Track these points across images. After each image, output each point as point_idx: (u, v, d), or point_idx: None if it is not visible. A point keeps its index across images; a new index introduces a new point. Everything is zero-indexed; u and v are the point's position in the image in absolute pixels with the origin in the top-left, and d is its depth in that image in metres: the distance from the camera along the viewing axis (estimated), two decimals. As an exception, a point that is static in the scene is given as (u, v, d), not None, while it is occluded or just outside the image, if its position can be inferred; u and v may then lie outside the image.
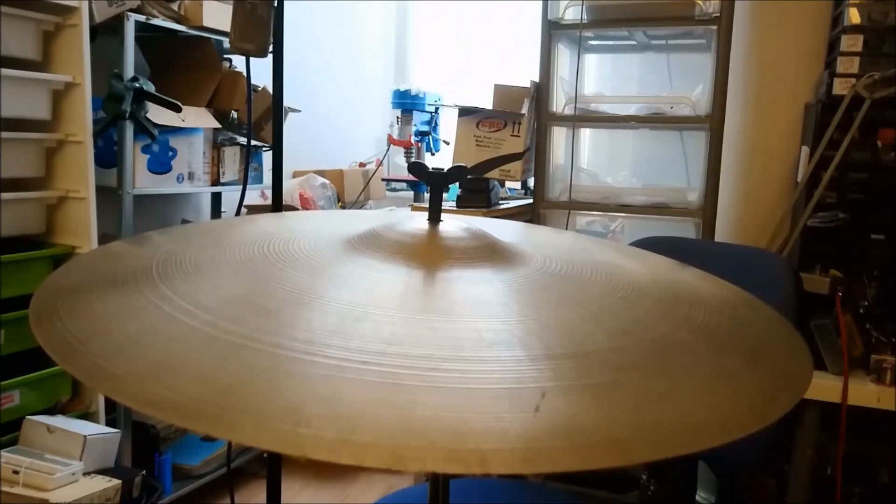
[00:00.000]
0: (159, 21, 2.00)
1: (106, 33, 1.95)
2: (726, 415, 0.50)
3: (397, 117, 3.16)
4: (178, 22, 2.07)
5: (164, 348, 0.51)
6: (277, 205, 1.45)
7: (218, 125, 2.24)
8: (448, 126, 3.20)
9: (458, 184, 2.04)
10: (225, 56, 2.41)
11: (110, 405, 1.90)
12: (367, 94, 3.58)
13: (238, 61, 2.43)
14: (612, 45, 2.34)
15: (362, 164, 3.27)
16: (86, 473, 1.52)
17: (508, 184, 2.44)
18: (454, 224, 0.77)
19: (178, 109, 1.97)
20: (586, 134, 2.30)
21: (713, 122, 1.93)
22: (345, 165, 3.16)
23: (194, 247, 0.74)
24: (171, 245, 0.75)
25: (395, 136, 3.16)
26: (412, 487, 1.38)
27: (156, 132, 1.94)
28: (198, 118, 2.18)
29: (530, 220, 2.13)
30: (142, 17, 1.93)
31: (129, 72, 1.89)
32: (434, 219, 0.76)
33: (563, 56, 2.17)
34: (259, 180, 2.52)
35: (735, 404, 0.52)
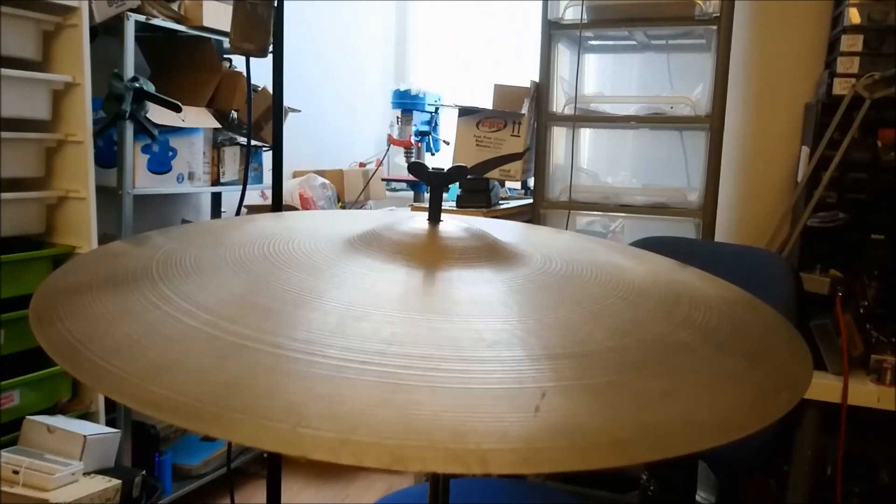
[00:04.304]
0: (159, 21, 2.00)
1: (106, 33, 1.95)
2: (726, 415, 0.50)
3: (397, 117, 3.15)
4: (178, 22, 2.07)
5: (164, 348, 0.51)
6: (277, 205, 1.45)
7: (218, 125, 2.24)
8: (448, 126, 3.20)
9: (458, 184, 2.04)
10: (225, 56, 2.41)
11: (110, 405, 1.90)
12: (367, 94, 3.58)
13: (238, 61, 2.43)
14: (612, 45, 2.34)
15: (362, 164, 3.27)
16: (86, 473, 1.52)
17: (508, 184, 2.44)
18: (454, 224, 0.77)
19: (178, 109, 1.97)
20: (586, 134, 2.30)
21: (713, 122, 1.93)
22: (345, 165, 3.16)
23: (194, 247, 0.74)
24: (171, 245, 0.75)
25: (395, 136, 3.15)
26: (412, 487, 1.38)
27: (156, 132, 1.94)
28: (198, 118, 2.18)
29: (530, 220, 2.13)
30: (142, 17, 1.93)
31: (129, 72, 1.89)
32: (434, 219, 0.76)
33: (563, 56, 2.17)
34: (259, 180, 2.52)
35: (735, 404, 0.52)
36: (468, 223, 0.79)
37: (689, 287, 0.76)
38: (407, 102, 3.10)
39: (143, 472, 1.64)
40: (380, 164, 3.18)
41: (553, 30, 2.08)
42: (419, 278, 0.66)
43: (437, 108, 3.23)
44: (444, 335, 0.54)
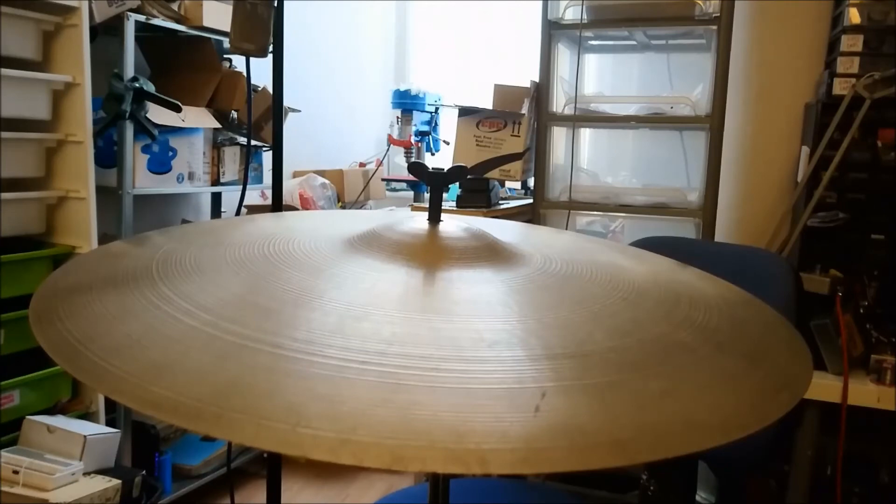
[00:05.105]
0: (159, 21, 2.00)
1: (106, 33, 1.95)
2: (726, 415, 0.50)
3: (397, 117, 3.16)
4: (178, 22, 2.07)
5: (164, 348, 0.51)
6: (277, 205, 1.45)
7: (218, 125, 2.24)
8: (448, 126, 3.20)
9: (458, 184, 2.04)
10: (225, 56, 2.41)
11: (110, 405, 1.90)
12: (367, 94, 3.59)
13: (238, 61, 2.43)
14: (612, 45, 2.34)
15: (362, 164, 3.27)
16: (86, 473, 1.52)
17: (508, 184, 2.44)
18: (454, 224, 0.77)
19: (178, 109, 1.97)
20: (586, 134, 2.30)
21: (713, 122, 1.93)
22: (345, 165, 3.16)
23: (194, 247, 0.74)
24: (171, 245, 0.75)
25: (395, 136, 3.16)
26: (412, 487, 1.38)
27: (156, 132, 1.94)
28: (198, 118, 2.18)
29: (530, 220, 2.13)
30: (142, 17, 1.93)
31: (129, 72, 1.89)
32: (434, 219, 0.76)
33: (563, 56, 2.17)
34: (259, 180, 2.52)
35: (735, 404, 0.52)
36: (468, 223, 0.79)
37: (689, 287, 0.76)
38: (407, 102, 3.10)
39: (143, 472, 1.64)
40: (380, 164, 3.18)
41: (553, 30, 2.08)
42: (419, 278, 0.66)
43: (437, 108, 3.23)
44: (444, 335, 0.54)
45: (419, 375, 0.48)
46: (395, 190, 3.35)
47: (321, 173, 2.80)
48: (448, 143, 3.22)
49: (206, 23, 2.11)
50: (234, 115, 2.34)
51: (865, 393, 1.56)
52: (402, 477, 2.42)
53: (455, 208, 1.99)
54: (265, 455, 2.03)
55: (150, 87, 1.91)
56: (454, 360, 0.51)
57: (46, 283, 0.66)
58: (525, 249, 0.79)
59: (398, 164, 3.57)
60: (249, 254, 0.71)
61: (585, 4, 2.00)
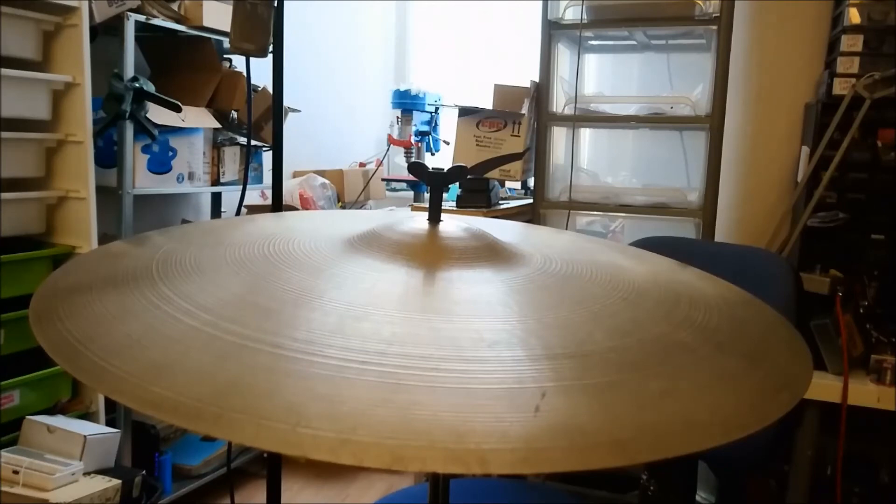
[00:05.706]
0: (159, 21, 2.00)
1: (106, 33, 1.95)
2: (726, 415, 0.50)
3: (397, 117, 3.16)
4: (178, 22, 2.07)
5: (164, 348, 0.51)
6: (277, 205, 1.45)
7: (218, 125, 2.24)
8: (448, 126, 3.20)
9: (458, 184, 2.04)
10: (225, 56, 2.41)
11: (110, 405, 1.90)
12: (367, 94, 3.59)
13: (238, 61, 2.43)
14: (612, 45, 2.34)
15: (362, 164, 3.27)
16: (86, 473, 1.52)
17: (508, 184, 2.44)
18: (454, 224, 0.77)
19: (178, 109, 1.97)
20: (586, 134, 2.30)
21: (713, 122, 1.93)
22: (345, 165, 3.16)
23: (194, 247, 0.74)
24: (171, 245, 0.75)
25: (395, 136, 3.16)
26: (412, 487, 1.38)
27: (156, 132, 1.94)
28: (198, 118, 2.18)
29: (530, 220, 2.13)
30: (142, 17, 1.93)
31: (129, 72, 1.89)
32: (434, 219, 0.76)
33: (563, 56, 2.17)
34: (259, 180, 2.52)
35: (735, 404, 0.52)
36: (468, 223, 0.79)
37: (689, 287, 0.76)
38: (407, 102, 3.10)
39: (143, 472, 1.64)
40: (380, 164, 3.18)
41: (553, 30, 2.08)
42: (419, 278, 0.66)
43: (437, 108, 3.23)
44: (444, 335, 0.54)
45: (419, 375, 0.48)
46: (395, 190, 3.35)
47: (321, 173, 2.80)
48: (448, 143, 3.22)
49: (206, 23, 2.11)
50: (234, 115, 2.34)
51: (865, 393, 1.56)
52: (402, 477, 2.42)
53: (455, 208, 1.99)
54: (265, 455, 2.03)
55: (150, 87, 1.91)
56: (454, 360, 0.51)
57: (46, 283, 0.66)
58: (525, 249, 0.79)
59: (398, 164, 3.57)
60: (249, 254, 0.71)
61: (585, 4, 2.00)
